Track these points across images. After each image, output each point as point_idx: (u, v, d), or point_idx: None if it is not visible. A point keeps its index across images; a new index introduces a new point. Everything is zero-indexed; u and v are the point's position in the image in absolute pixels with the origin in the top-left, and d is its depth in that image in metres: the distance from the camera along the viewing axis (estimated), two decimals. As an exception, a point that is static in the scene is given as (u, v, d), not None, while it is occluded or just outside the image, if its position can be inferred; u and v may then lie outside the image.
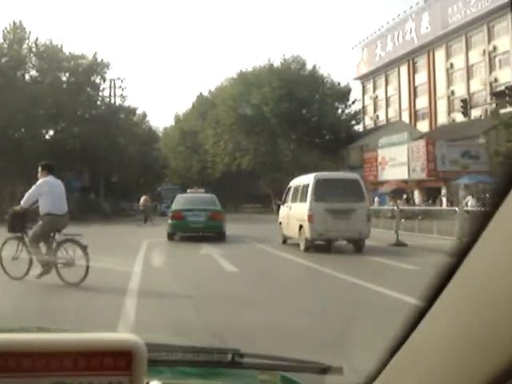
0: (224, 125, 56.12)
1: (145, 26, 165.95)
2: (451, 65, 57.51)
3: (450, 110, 56.88)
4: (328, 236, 14.70)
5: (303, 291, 8.92)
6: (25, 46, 45.54)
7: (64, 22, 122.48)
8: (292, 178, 18.73)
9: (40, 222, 9.51)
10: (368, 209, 15.70)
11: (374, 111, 70.90)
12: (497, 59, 52.25)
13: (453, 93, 56.74)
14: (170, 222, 19.60)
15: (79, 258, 9.17)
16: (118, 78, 50.36)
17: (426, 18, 59.83)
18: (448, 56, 58.13)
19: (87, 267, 8.99)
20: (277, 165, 53.21)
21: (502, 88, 33.87)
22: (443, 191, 39.75)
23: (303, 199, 15.44)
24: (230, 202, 50.22)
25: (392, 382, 1.05)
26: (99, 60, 48.03)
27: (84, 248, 9.21)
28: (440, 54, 59.20)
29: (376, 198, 37.40)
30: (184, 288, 9.13)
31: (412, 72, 63.98)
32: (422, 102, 62.17)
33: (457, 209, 17.81)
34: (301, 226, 15.20)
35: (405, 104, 64.87)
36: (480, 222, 0.81)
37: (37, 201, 9.55)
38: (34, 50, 45.78)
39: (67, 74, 47.24)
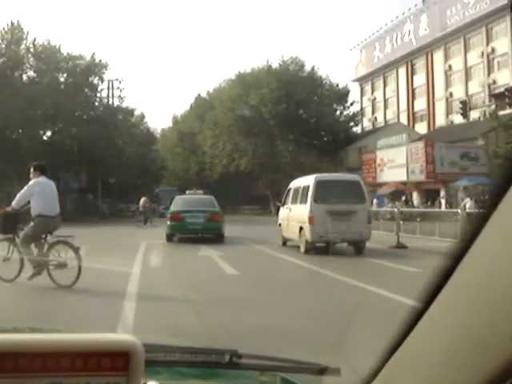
0: (222, 126, 56.05)
1: (143, 26, 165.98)
2: (449, 67, 57.53)
3: (448, 112, 56.91)
4: (328, 238, 14.56)
5: (304, 293, 8.83)
6: (22, 46, 45.46)
7: (62, 23, 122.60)
8: (290, 180, 18.63)
9: (31, 224, 9.37)
10: (369, 210, 15.60)
11: (372, 113, 70.91)
12: (495, 61, 52.29)
13: (451, 95, 56.75)
14: (168, 223, 19.56)
15: (71, 260, 9.03)
16: (116, 79, 50.38)
17: (425, 19, 59.86)
18: (446, 58, 58.15)
19: (79, 269, 8.86)
20: (275, 166, 53.14)
21: (501, 90, 33.87)
22: (442, 193, 39.70)
23: (303, 201, 15.32)
24: (229, 204, 50.10)
25: (390, 383, 1.04)
26: (97, 61, 47.93)
27: (76, 250, 9.08)
28: (438, 56, 59.22)
29: (374, 200, 37.30)
30: (183, 291, 9.04)
31: (410, 74, 64.00)
32: (420, 104, 62.20)
33: (459, 210, 17.73)
34: (301, 228, 15.08)
35: (403, 106, 64.89)
36: (478, 224, 0.81)
37: (28, 202, 9.41)
38: (31, 50, 45.70)
39: (65, 75, 47.10)
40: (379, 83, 70.28)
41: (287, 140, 53.03)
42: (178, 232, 19.74)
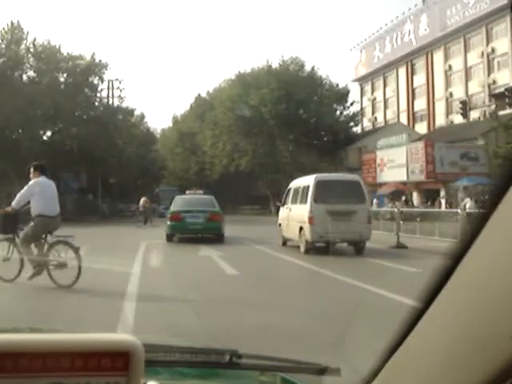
0: (222, 126, 56.03)
1: (143, 27, 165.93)
2: (449, 67, 57.52)
3: (448, 112, 56.90)
4: (329, 238, 14.54)
5: (304, 293, 8.82)
6: (22, 46, 45.42)
7: (62, 23, 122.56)
8: (290, 180, 18.62)
9: (31, 224, 9.36)
10: (369, 210, 15.59)
11: (372, 113, 70.88)
12: (495, 61, 52.27)
13: (451, 95, 56.74)
14: (168, 223, 19.55)
15: (71, 260, 9.01)
16: (116, 79, 50.34)
17: (425, 19, 59.83)
18: (446, 58, 58.13)
19: (79, 269, 8.85)
20: (275, 166, 53.11)
21: (501, 90, 33.85)
22: (442, 193, 39.68)
23: (303, 201, 15.31)
24: (229, 204, 50.08)
25: (390, 383, 1.04)
26: (97, 61, 47.90)
27: (76, 250, 9.07)
28: (438, 56, 59.20)
29: (374, 200, 37.27)
30: (183, 291, 9.02)
31: (410, 74, 63.99)
32: (420, 104, 62.18)
33: (459, 211, 17.72)
34: (301, 228, 15.07)
35: (403, 106, 64.87)
36: (478, 224, 0.82)
37: (28, 202, 9.40)
38: (31, 50, 45.66)
39: (65, 75, 47.06)
40: (379, 83, 70.26)
41: (287, 140, 53.01)
42: (178, 232, 19.73)
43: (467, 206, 24.34)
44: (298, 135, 52.46)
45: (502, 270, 0.75)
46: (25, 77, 46.53)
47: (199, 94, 74.25)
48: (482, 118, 43.27)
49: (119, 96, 50.81)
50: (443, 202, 37.29)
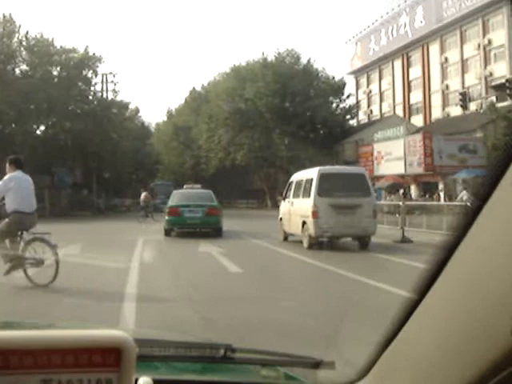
0: (217, 120, 55.65)
1: (137, 19, 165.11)
2: (446, 59, 57.21)
3: (444, 105, 56.66)
4: (333, 233, 14.17)
5: (312, 292, 8.50)
6: (15, 39, 44.78)
7: (55, 16, 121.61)
8: (287, 173, 18.33)
9: (6, 220, 8.85)
10: (374, 204, 15.20)
11: (368, 106, 70.55)
12: (492, 53, 51.98)
13: (447, 87, 56.48)
14: (166, 217, 19.42)
15: (48, 258, 8.63)
16: (110, 73, 49.77)
17: (421, 11, 59.44)
18: (442, 50, 57.82)
19: (57, 267, 8.47)
20: (271, 160, 52.80)
21: (499, 82, 33.58)
22: (440, 186, 39.44)
23: (306, 194, 14.91)
24: (225, 198, 49.82)
25: (384, 376, 1.05)
26: (91, 54, 47.34)
27: (53, 247, 8.66)
28: (434, 48, 58.89)
29: (372, 193, 36.94)
30: (185, 290, 8.61)
31: (406, 66, 63.65)
32: (416, 97, 61.87)
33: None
34: (304, 223, 14.67)
35: (399, 98, 64.57)
36: (470, 216, 0.83)
37: (3, 198, 8.91)
38: (24, 43, 45.03)
39: (58, 68, 46.44)
40: (375, 76, 69.94)
41: (283, 133, 52.64)
42: (177, 226, 19.61)
43: (464, 198, 24.24)
44: (294, 128, 52.09)
45: (493, 261, 0.76)
46: (17, 70, 45.92)
47: (194, 88, 73.99)
48: (479, 110, 43.05)
49: (113, 90, 50.46)
50: (442, 194, 37.06)
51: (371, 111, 69.55)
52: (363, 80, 72.30)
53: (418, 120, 59.18)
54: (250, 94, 52.25)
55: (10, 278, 8.64)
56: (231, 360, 1.48)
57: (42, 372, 0.85)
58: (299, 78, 52.70)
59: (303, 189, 15.36)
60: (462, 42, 55.14)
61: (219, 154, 55.92)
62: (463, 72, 54.85)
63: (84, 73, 47.30)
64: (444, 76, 57.68)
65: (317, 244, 14.42)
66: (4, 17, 44.13)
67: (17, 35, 44.76)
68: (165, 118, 79.31)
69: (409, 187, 42.16)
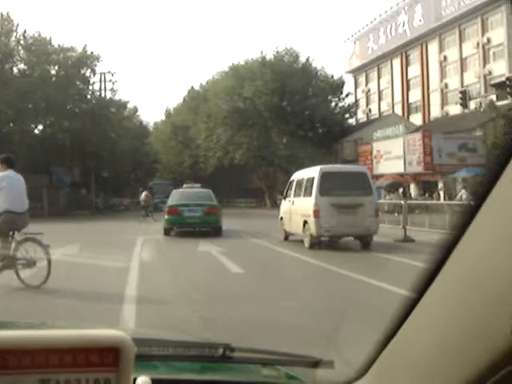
0: (216, 119, 55.48)
1: (136, 18, 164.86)
2: (445, 57, 57.09)
3: (443, 103, 56.56)
4: (334, 232, 14.06)
5: (313, 291, 8.45)
6: (12, 38, 44.56)
7: (53, 14, 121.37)
8: (285, 173, 18.23)
9: None
10: (376, 203, 15.08)
11: (367, 104, 70.45)
12: (491, 52, 51.87)
13: (446, 86, 56.39)
14: (166, 217, 19.40)
15: (40, 259, 8.51)
16: (109, 72, 49.55)
17: (419, 10, 59.33)
18: (441, 49, 57.72)
19: (49, 268, 8.35)
20: (270, 159, 52.67)
21: (498, 80, 33.50)
22: (440, 185, 39.33)
23: (307, 193, 14.78)
24: (223, 197, 49.70)
25: (382, 375, 1.06)
26: (89, 53, 47.06)
27: (45, 247, 8.55)
28: (433, 47, 58.78)
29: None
30: (185, 290, 8.51)
31: (405, 65, 63.54)
32: (415, 95, 61.76)
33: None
34: (305, 222, 14.54)
35: (397, 97, 64.49)
36: (468, 214, 0.84)
37: None
38: (22, 42, 44.81)
39: (56, 67, 46.19)
40: (373, 75, 69.82)
41: (282, 132, 52.46)
42: (176, 226, 19.61)
43: (463, 197, 24.21)
44: (293, 127, 51.93)
45: (492, 259, 0.77)
46: (15, 69, 45.71)
47: (192, 87, 73.85)
48: (479, 109, 42.95)
49: (112, 89, 50.14)
50: (442, 193, 36.96)
51: (370, 110, 69.45)
52: (362, 79, 72.21)
53: (416, 119, 59.09)
54: (249, 92, 52.08)
55: (1, 278, 8.53)
56: (230, 359, 1.48)
57: (40, 372, 0.85)
58: (298, 77, 52.53)
59: (304, 188, 15.23)
60: (461, 41, 55.04)
61: (218, 153, 55.76)
62: (462, 70, 54.75)
63: (82, 72, 47.06)
64: (443, 75, 57.58)
65: (318, 243, 14.30)
66: (1, 15, 43.96)
67: (14, 34, 44.58)
68: (163, 117, 79.24)
69: (408, 186, 42.03)
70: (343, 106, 58.03)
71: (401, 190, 38.05)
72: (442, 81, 57.32)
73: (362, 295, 7.92)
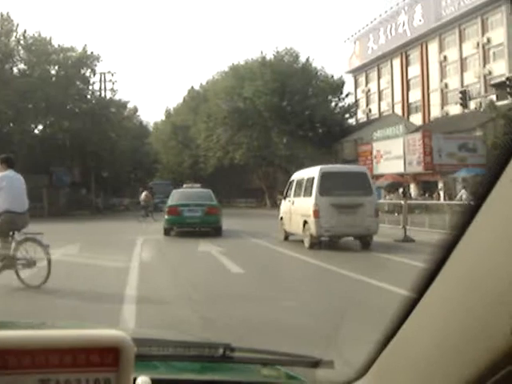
0: (216, 119, 55.46)
1: (136, 18, 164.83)
2: (445, 57, 57.08)
3: (443, 103, 56.54)
4: (334, 232, 14.07)
5: (314, 291, 8.44)
6: (12, 38, 44.54)
7: (53, 14, 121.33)
8: (285, 173, 18.23)
9: None
10: (376, 203, 15.08)
11: (367, 105, 70.43)
12: (491, 52, 51.86)
13: (446, 86, 56.37)
14: (166, 217, 19.40)
15: (40, 259, 8.51)
16: (109, 72, 49.54)
17: (419, 10, 59.31)
18: (441, 49, 57.70)
19: (49, 268, 8.35)
20: (270, 159, 52.64)
21: (498, 80, 33.47)
22: (440, 185, 39.32)
23: (308, 193, 14.78)
24: (223, 197, 49.69)
25: (382, 375, 1.06)
26: (89, 53, 47.05)
27: (45, 247, 8.54)
28: (433, 47, 58.77)
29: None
30: (185, 290, 8.50)
31: (405, 65, 63.52)
32: (415, 95, 61.75)
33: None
34: (305, 222, 14.54)
35: (397, 97, 64.48)
36: (468, 214, 0.84)
37: None
38: (22, 42, 44.80)
39: (56, 67, 46.18)
40: (373, 75, 69.80)
41: (282, 132, 52.44)
42: (176, 226, 19.61)
43: (463, 197, 24.19)
44: (293, 127, 51.91)
45: (492, 259, 0.77)
46: (15, 69, 45.70)
47: (192, 87, 73.84)
48: (478, 109, 42.94)
49: (112, 89, 50.12)
50: (442, 193, 36.94)
51: (370, 110, 69.44)
52: (362, 79, 72.19)
53: (416, 119, 59.08)
54: (249, 92, 52.05)
55: (1, 278, 8.53)
56: (230, 359, 1.48)
57: (40, 372, 0.85)
58: (298, 77, 52.51)
59: (304, 188, 15.23)
60: (461, 41, 55.02)
61: (218, 153, 55.74)
62: (462, 71, 54.74)
63: (82, 72, 47.04)
64: (443, 75, 57.57)
65: (318, 243, 14.30)
66: (1, 15, 43.95)
67: (14, 34, 44.57)
68: (163, 117, 79.22)
69: (408, 186, 42.01)
70: (343, 106, 58.01)
71: (401, 190, 38.03)
72: (441, 81, 57.31)
73: (362, 295, 7.92)
